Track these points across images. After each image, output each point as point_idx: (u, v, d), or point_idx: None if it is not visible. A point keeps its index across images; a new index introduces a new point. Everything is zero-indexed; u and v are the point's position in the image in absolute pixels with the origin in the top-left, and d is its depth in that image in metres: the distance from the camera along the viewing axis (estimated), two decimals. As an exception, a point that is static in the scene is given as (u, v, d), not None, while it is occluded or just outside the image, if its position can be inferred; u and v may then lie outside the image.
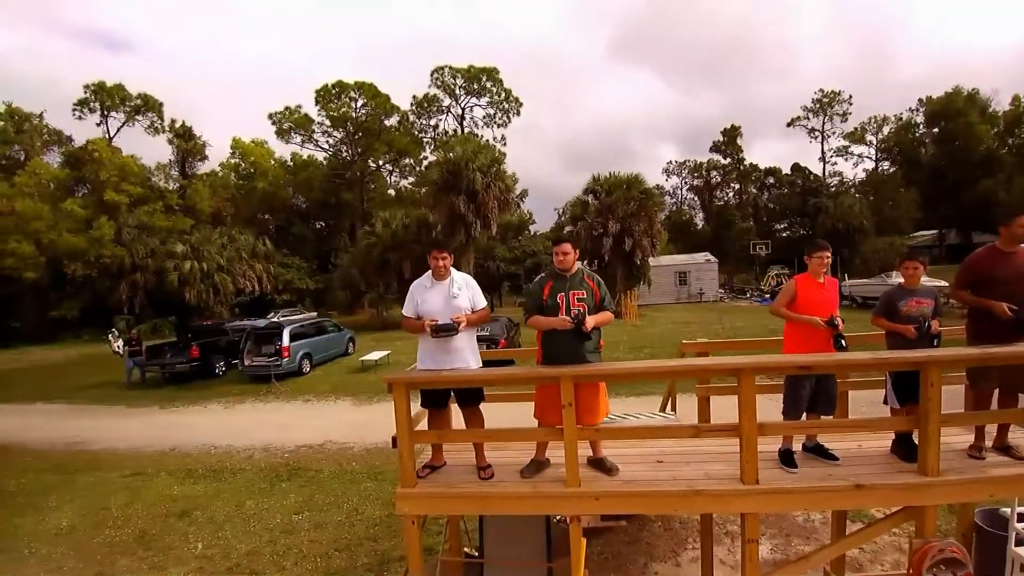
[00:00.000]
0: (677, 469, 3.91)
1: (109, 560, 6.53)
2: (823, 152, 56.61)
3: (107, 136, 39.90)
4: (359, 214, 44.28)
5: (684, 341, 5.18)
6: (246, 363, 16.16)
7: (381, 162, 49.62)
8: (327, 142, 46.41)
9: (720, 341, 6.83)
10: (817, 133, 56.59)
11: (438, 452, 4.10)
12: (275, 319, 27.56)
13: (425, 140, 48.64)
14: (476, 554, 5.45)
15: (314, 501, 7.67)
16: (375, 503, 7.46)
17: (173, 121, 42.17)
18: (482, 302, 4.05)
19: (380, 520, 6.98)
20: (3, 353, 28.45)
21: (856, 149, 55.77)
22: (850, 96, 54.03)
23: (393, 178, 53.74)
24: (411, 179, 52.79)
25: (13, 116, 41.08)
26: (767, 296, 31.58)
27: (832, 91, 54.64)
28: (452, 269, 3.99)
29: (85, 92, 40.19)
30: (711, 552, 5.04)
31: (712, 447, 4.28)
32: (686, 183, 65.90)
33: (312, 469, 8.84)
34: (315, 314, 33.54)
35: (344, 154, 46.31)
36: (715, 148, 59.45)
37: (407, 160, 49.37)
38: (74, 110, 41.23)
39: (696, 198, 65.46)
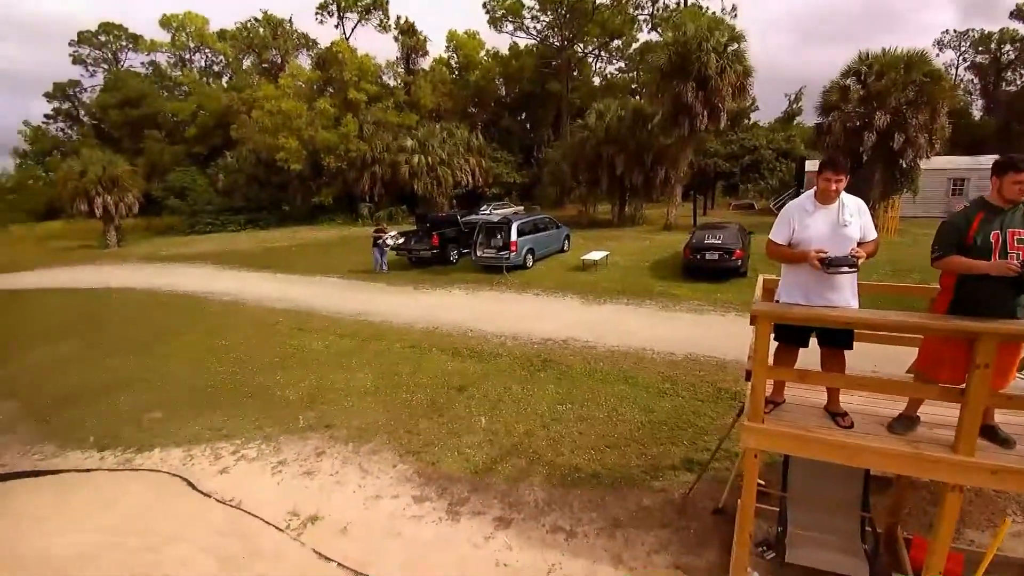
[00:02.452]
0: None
1: (412, 421, 7.91)
2: None
3: (344, 37, 44.16)
4: (565, 104, 43.49)
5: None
6: (478, 254, 17.65)
7: (589, 48, 47.20)
8: (535, 28, 45.27)
9: None
10: None
11: (780, 388, 3.89)
12: (487, 212, 29.55)
13: (640, 18, 44.47)
14: (762, 483, 5.36)
15: (573, 395, 8.26)
16: (633, 407, 7.75)
17: (398, 17, 44.83)
18: (873, 233, 3.49)
19: (642, 424, 7.26)
20: (279, 230, 35.47)
21: None
22: None
23: (599, 64, 51.13)
24: (620, 64, 49.71)
25: (269, 23, 47.64)
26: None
27: None
28: (843, 193, 3.44)
29: (326, -6, 44.40)
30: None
31: None
32: (965, 59, 51.10)
33: (563, 364, 9.47)
34: (523, 208, 35.11)
35: (552, 40, 44.88)
36: (1017, 13, 44.06)
37: (617, 42, 46.11)
38: (316, 14, 46.15)
39: (977, 80, 50.68)
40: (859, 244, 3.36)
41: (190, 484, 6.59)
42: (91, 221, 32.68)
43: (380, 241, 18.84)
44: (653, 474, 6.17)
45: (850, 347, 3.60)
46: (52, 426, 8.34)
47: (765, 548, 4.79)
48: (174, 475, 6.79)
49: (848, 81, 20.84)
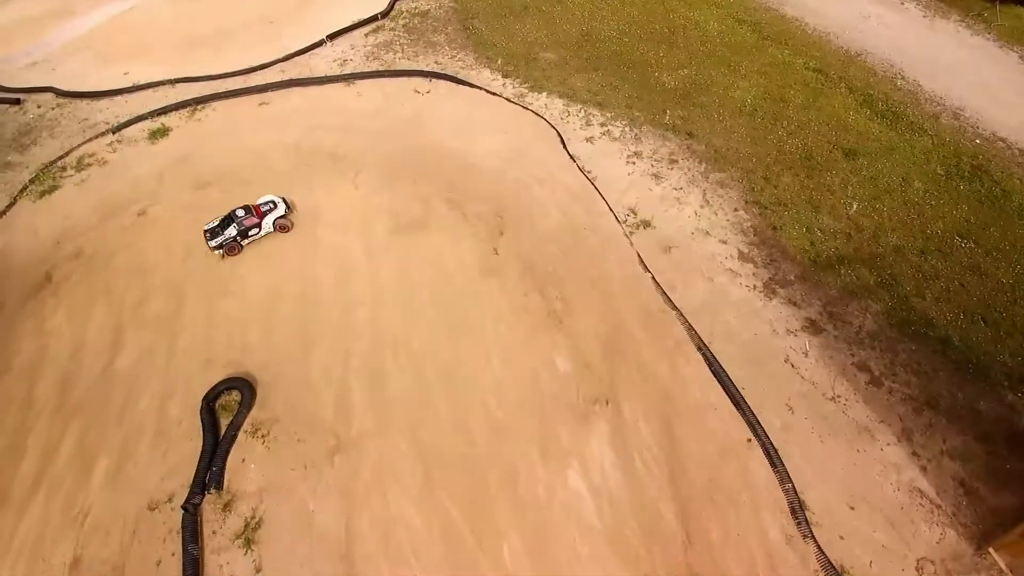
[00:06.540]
0: None
1: (775, 168, 7.48)
2: None
3: None
4: None
5: None
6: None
7: None
8: None
9: None
10: None
11: None
12: None
13: None
14: None
15: (986, 235, 6.64)
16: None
17: None
18: None
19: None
20: None
21: None
22: None
23: None
24: None
25: None
26: None
27: None
28: None
29: None
30: None
31: None
32: None
33: (1001, 183, 7.30)
34: None
35: None
36: None
37: None
38: None
39: None
40: None
41: (562, 141, 7.75)
42: None
43: None
44: (1017, 386, 5.27)
45: None
46: (470, 36, 9.96)
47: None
48: (552, 126, 7.97)
49: None
